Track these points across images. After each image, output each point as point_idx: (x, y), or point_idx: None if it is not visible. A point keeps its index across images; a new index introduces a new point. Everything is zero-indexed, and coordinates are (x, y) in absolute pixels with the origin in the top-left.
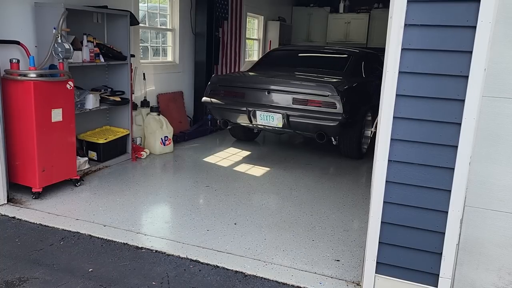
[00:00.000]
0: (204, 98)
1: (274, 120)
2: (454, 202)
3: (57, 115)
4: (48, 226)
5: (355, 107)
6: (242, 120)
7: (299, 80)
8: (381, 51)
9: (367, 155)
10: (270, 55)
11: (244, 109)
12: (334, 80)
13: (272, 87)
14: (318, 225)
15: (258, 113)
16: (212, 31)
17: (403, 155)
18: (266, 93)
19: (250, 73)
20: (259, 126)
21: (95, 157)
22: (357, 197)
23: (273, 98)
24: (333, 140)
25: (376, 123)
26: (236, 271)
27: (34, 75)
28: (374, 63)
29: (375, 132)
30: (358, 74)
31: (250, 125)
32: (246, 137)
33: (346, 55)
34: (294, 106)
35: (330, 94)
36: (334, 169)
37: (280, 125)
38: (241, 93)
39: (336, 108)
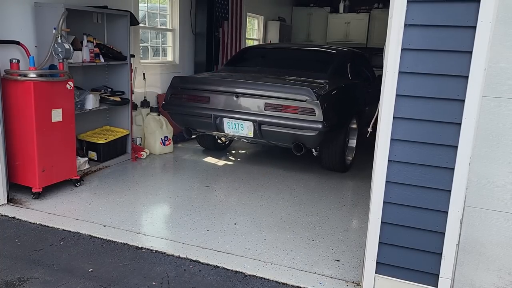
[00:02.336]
0: (163, 105)
1: (244, 129)
2: (454, 202)
3: (57, 115)
4: (48, 226)
5: (338, 113)
6: (208, 129)
7: (272, 82)
8: (381, 51)
9: (352, 167)
10: (243, 54)
11: (210, 116)
12: (313, 82)
13: (241, 90)
14: (318, 225)
15: (225, 121)
16: (212, 31)
17: (403, 155)
18: (234, 97)
19: (217, 74)
20: (228, 136)
21: (95, 157)
22: (357, 197)
23: (242, 103)
24: (314, 151)
25: (372, 122)
26: (236, 271)
27: (34, 75)
28: (361, 64)
29: (371, 132)
30: (343, 76)
31: (218, 134)
32: (216, 146)
33: (329, 55)
34: (267, 112)
35: (308, 98)
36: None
37: (251, 135)
38: (205, 98)
39: (315, 115)
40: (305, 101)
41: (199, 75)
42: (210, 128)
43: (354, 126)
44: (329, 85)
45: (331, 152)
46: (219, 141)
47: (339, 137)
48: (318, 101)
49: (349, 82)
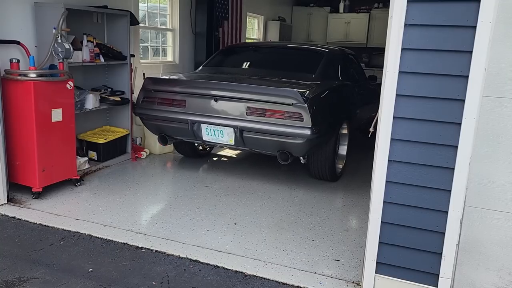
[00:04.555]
0: (135, 109)
1: (224, 136)
2: (454, 202)
3: (57, 115)
4: (48, 226)
5: (328, 118)
6: (184, 136)
7: (255, 84)
8: (381, 51)
9: (343, 176)
10: (224, 53)
11: (186, 121)
12: (301, 84)
13: (221, 93)
14: (318, 225)
15: (203, 127)
16: (212, 31)
17: (403, 155)
18: (213, 100)
19: (195, 75)
20: (206, 143)
21: (95, 157)
22: (357, 197)
23: (222, 107)
24: (301, 159)
25: (374, 122)
26: (236, 271)
27: (34, 75)
28: (352, 65)
29: (373, 132)
30: (333, 77)
31: (195, 141)
32: (195, 154)
33: (318, 54)
34: (249, 117)
35: (294, 102)
36: None
37: (232, 142)
38: (181, 101)
39: (302, 121)
40: (292, 104)
41: (174, 75)
42: (187, 135)
43: (345, 131)
44: (318, 87)
45: (320, 160)
46: (199, 147)
47: (329, 144)
48: (306, 105)
49: (340, 84)
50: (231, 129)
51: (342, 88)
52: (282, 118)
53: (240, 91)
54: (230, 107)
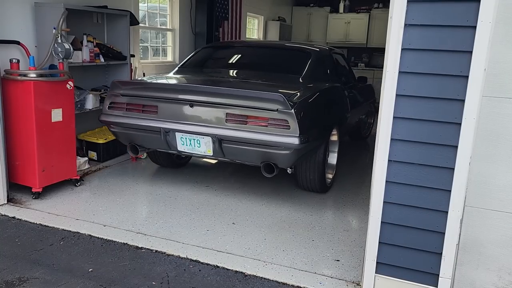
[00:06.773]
0: (101, 116)
1: (200, 146)
2: (454, 202)
3: (57, 115)
4: (48, 226)
5: (318, 125)
6: (157, 146)
7: (235, 87)
8: (381, 51)
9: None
10: (203, 53)
11: (158, 130)
12: (287, 87)
13: (197, 98)
14: (318, 225)
15: (178, 135)
16: (212, 31)
17: (403, 155)
18: (189, 106)
19: (169, 78)
20: (182, 153)
21: (95, 157)
22: (357, 197)
23: (198, 114)
24: (288, 169)
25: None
26: (236, 271)
27: (34, 75)
28: (342, 65)
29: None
30: (322, 79)
31: (169, 151)
32: (172, 163)
33: (305, 54)
34: (229, 125)
35: (280, 107)
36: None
37: (210, 153)
38: (152, 107)
39: (289, 129)
40: (277, 110)
41: (145, 78)
42: (160, 145)
43: (335, 138)
44: (306, 90)
45: (309, 171)
46: (175, 156)
47: (318, 152)
48: (292, 111)
49: (329, 86)
50: (209, 138)
51: (332, 91)
52: (266, 126)
53: (219, 95)
54: (208, 114)
